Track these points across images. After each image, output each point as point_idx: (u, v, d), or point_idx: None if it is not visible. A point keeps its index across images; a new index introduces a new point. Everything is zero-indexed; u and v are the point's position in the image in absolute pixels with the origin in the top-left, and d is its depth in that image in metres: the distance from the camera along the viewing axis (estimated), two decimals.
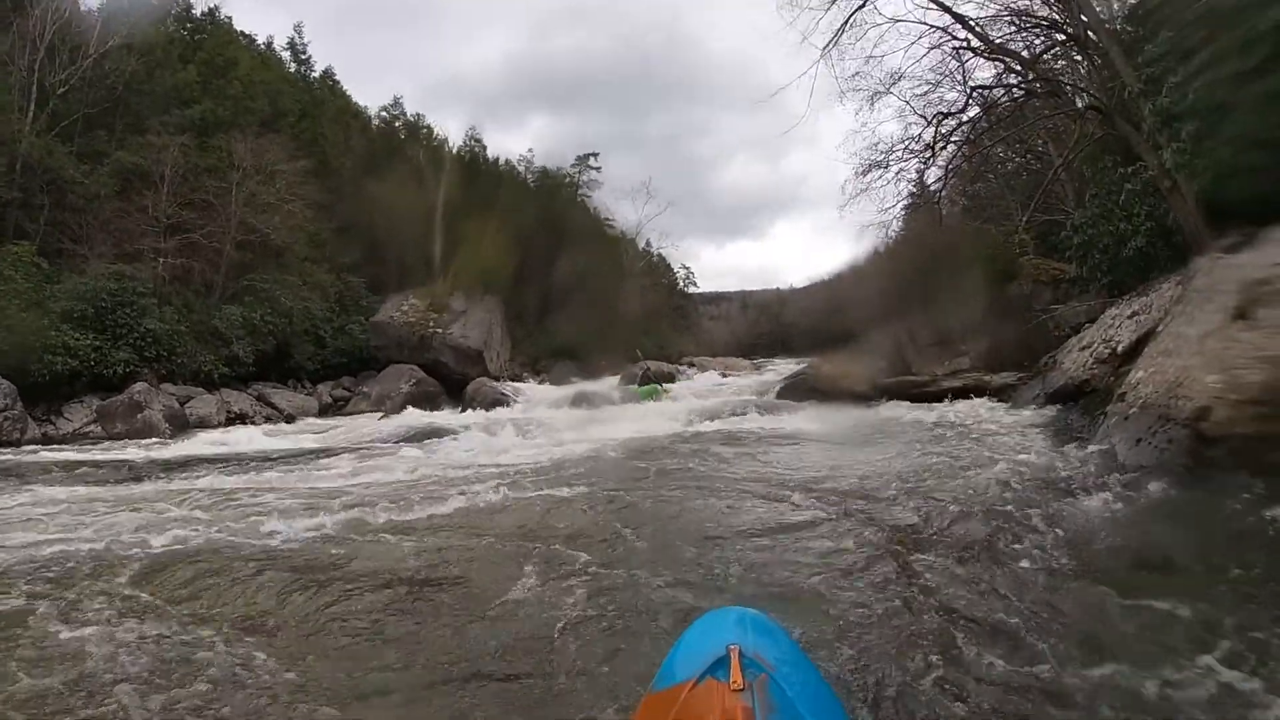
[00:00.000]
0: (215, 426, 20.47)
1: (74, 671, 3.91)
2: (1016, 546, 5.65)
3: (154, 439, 17.37)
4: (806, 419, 16.12)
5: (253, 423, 21.81)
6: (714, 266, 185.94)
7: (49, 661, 4.04)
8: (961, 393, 16.56)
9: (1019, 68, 16.72)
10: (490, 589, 5.23)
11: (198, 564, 5.72)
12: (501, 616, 4.74)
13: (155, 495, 9.20)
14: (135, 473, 11.47)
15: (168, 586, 5.25)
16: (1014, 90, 17.11)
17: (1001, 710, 3.39)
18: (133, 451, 14.48)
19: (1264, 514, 5.76)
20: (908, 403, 16.59)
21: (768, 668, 2.25)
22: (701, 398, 21.99)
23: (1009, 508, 6.77)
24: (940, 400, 16.38)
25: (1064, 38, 16.30)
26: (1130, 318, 12.06)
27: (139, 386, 19.43)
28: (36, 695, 3.70)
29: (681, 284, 63.76)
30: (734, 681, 2.13)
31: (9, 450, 14.81)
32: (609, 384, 28.08)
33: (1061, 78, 17.48)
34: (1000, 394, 15.74)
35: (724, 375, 33.22)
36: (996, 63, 16.97)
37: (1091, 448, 9.19)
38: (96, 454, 14.14)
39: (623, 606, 4.79)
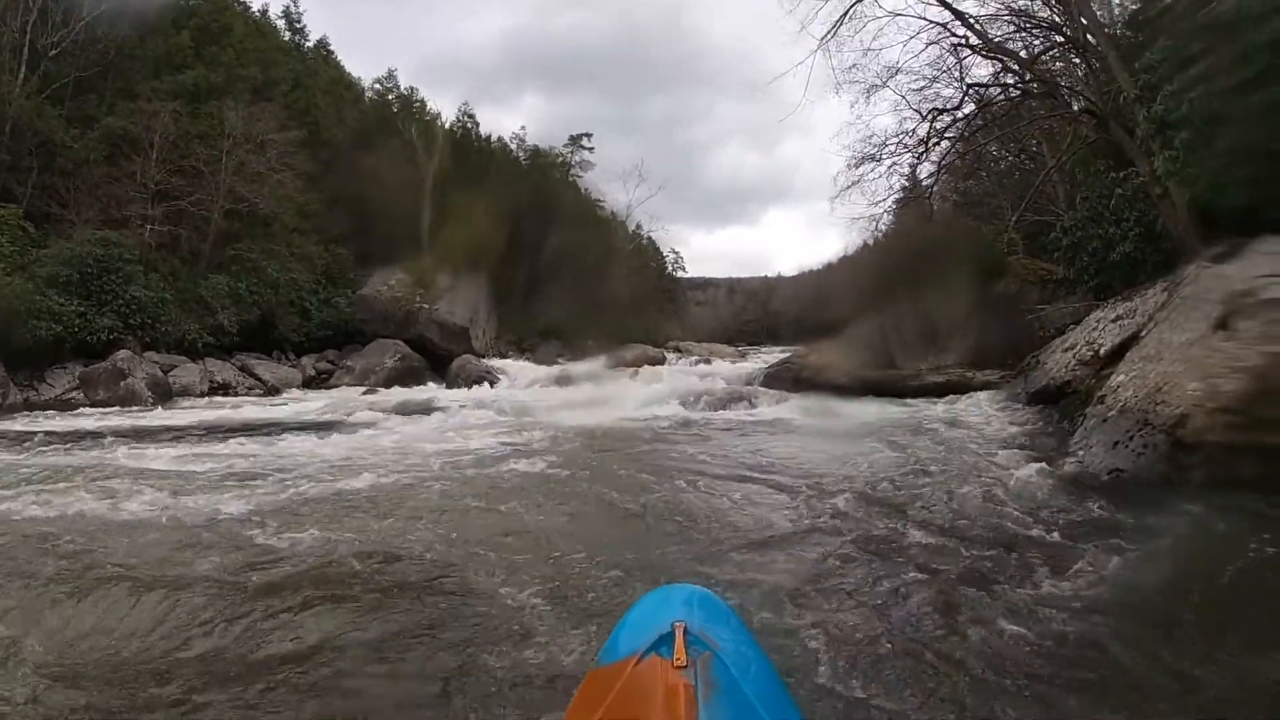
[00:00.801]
0: (198, 396, 20.47)
1: None
2: (979, 543, 5.76)
3: (136, 406, 17.40)
4: (786, 409, 16.18)
5: (235, 393, 21.80)
6: (703, 251, 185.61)
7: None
8: (944, 389, 16.63)
9: (1016, 67, 16.75)
10: (438, 569, 5.31)
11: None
12: (453, 592, 4.82)
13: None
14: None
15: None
16: (1010, 90, 17.15)
17: (940, 693, 3.48)
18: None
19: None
20: (890, 397, 16.66)
21: (712, 646, 2.25)
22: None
23: (975, 505, 6.91)
24: (923, 396, 16.47)
25: (1063, 40, 16.36)
26: (1114, 321, 12.13)
27: (122, 354, 19.35)
28: None
29: (670, 268, 63.69)
30: (677, 658, 2.13)
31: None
32: (594, 365, 28.05)
33: (1058, 79, 17.51)
34: (982, 392, 15.82)
35: (708, 363, 33.11)
36: (994, 61, 17.01)
37: (1070, 452, 9.30)
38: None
39: (572, 585, 4.86)
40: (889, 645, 4.00)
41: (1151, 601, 4.60)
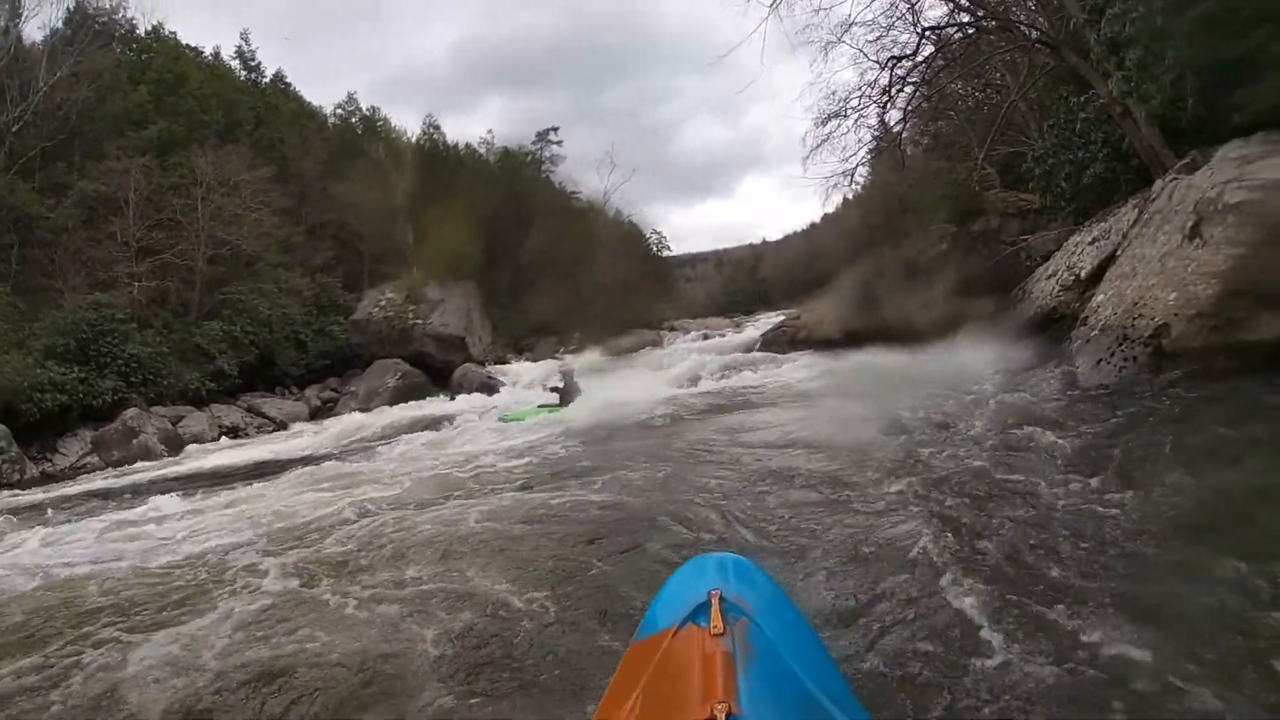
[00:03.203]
0: (209, 442, 20.59)
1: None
2: (1002, 482, 5.89)
3: (153, 461, 17.60)
4: (786, 371, 16.40)
5: (245, 434, 21.97)
6: (685, 228, 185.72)
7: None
8: (935, 330, 16.74)
9: (968, 4, 16.82)
10: (487, 558, 5.54)
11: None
12: (507, 577, 5.02)
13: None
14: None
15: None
16: (966, 28, 17.20)
17: (984, 646, 3.52)
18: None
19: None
20: (884, 344, 16.78)
21: (748, 611, 2.30)
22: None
23: (989, 444, 7.03)
24: (915, 339, 16.59)
25: None
26: (1091, 244, 12.31)
27: (130, 412, 19.49)
28: None
29: (655, 249, 63.56)
30: (714, 626, 2.17)
31: (13, 491, 14.97)
32: (593, 356, 28.18)
33: (1011, 12, 17.58)
34: (973, 329, 15.94)
35: (706, 337, 33.22)
36: (946, 1, 17.09)
37: (1057, 374, 9.56)
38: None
39: (614, 562, 5.04)
40: (931, 605, 4.03)
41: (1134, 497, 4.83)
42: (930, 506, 5.53)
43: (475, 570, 5.28)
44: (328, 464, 12.36)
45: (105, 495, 12.82)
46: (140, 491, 12.28)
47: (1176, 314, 7.86)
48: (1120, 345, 8.46)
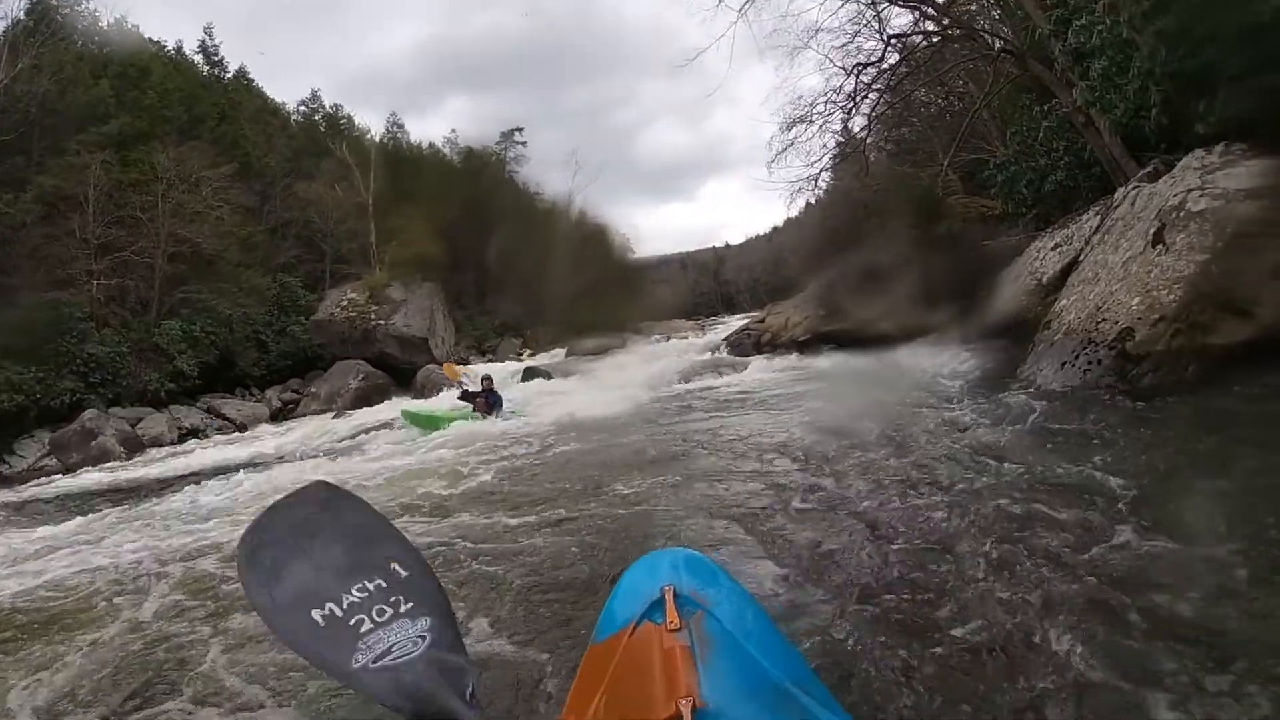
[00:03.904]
0: (169, 444, 20.38)
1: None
2: (953, 482, 5.88)
3: (111, 463, 17.39)
4: (751, 374, 16.47)
5: (205, 435, 21.75)
6: (649, 230, 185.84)
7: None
8: (899, 335, 16.91)
9: (934, 13, 17.02)
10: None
11: None
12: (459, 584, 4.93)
13: None
14: None
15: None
16: (931, 36, 17.41)
17: (943, 630, 3.54)
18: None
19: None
20: (848, 348, 16.92)
21: (703, 604, 2.29)
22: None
23: (947, 445, 7.09)
24: (879, 343, 16.73)
25: None
26: (1054, 249, 12.47)
27: (89, 413, 19.28)
28: None
29: (619, 251, 63.45)
30: (670, 622, 2.18)
31: None
32: (555, 356, 28.20)
33: (976, 21, 17.80)
34: (936, 333, 16.09)
35: (668, 339, 33.29)
36: (912, 10, 17.27)
37: (1021, 377, 9.71)
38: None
39: (567, 565, 4.99)
40: (881, 591, 4.06)
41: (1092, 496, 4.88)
42: (881, 501, 5.59)
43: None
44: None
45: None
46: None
47: (1140, 318, 8.01)
48: (1084, 349, 8.61)
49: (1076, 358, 8.70)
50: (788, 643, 2.47)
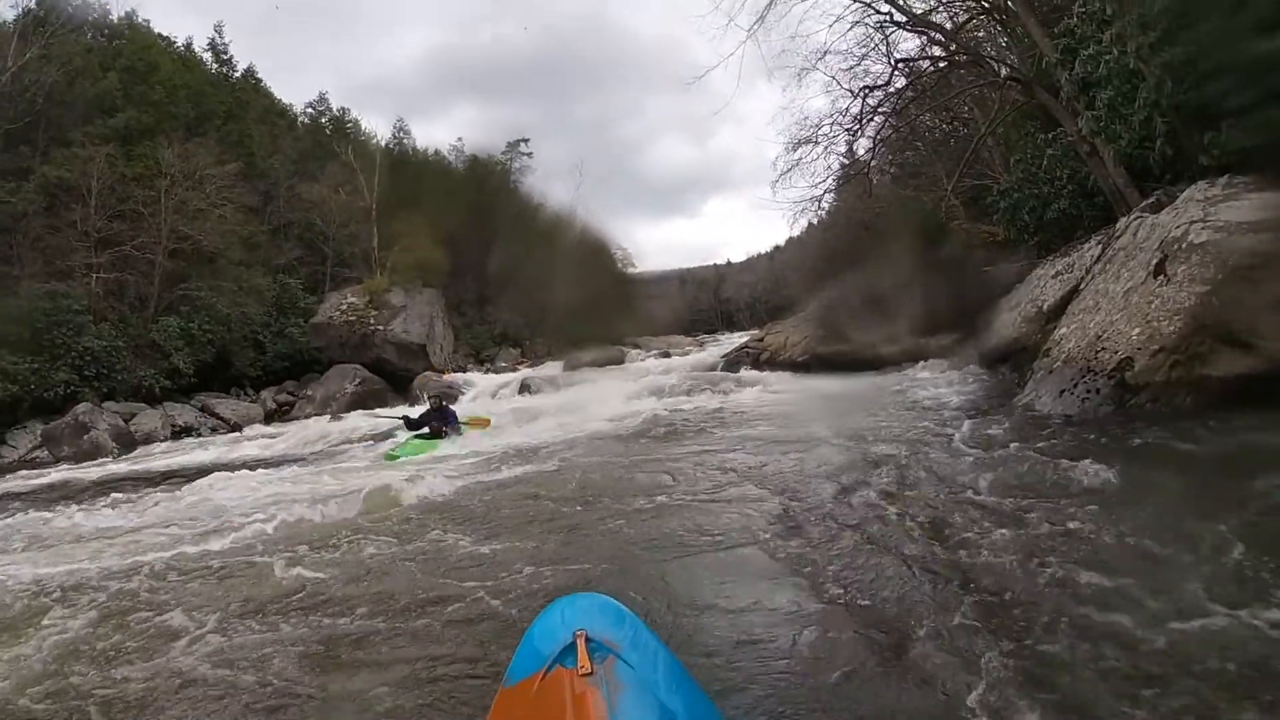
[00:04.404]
0: (161, 441, 20.29)
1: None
2: (935, 500, 5.96)
3: (102, 459, 17.29)
4: (748, 394, 16.39)
5: (199, 434, 21.67)
6: (650, 244, 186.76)
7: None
8: (899, 358, 16.93)
9: (941, 39, 17.06)
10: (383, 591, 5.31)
11: None
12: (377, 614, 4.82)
13: None
14: None
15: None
16: (938, 61, 17.44)
17: (863, 669, 3.51)
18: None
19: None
20: (847, 371, 16.93)
21: (615, 649, 2.35)
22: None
23: (928, 465, 7.09)
24: (878, 367, 16.75)
25: (984, 9, 16.67)
26: (1055, 277, 12.49)
27: (83, 407, 19.21)
28: None
29: (620, 265, 63.43)
30: (582, 666, 2.21)
31: None
32: (553, 369, 28.14)
33: (983, 48, 17.85)
34: (937, 357, 16.10)
35: (668, 355, 33.28)
36: (920, 35, 17.33)
37: (1019, 404, 9.69)
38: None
39: (479, 605, 4.84)
40: (794, 624, 4.06)
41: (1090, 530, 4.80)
42: (826, 534, 5.53)
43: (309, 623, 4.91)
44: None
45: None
46: None
47: (1140, 348, 8.02)
48: (1083, 377, 8.62)
49: (1075, 386, 8.72)
50: (698, 688, 2.55)
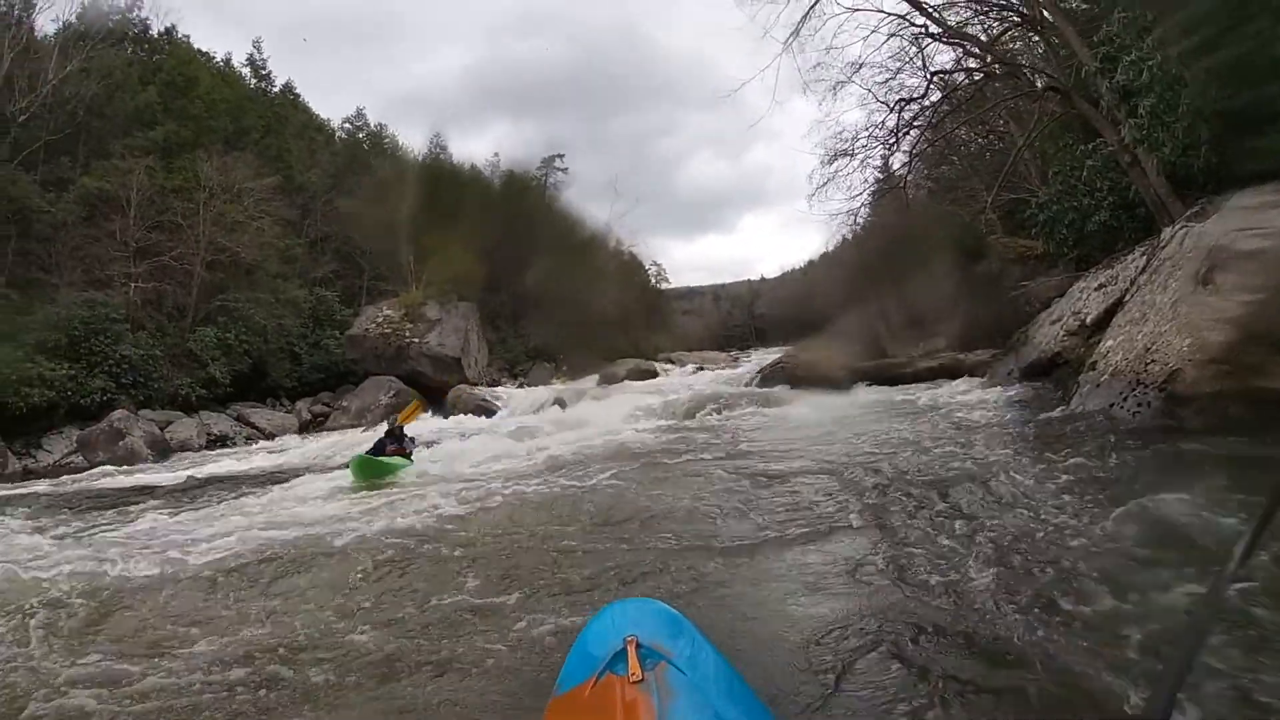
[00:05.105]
0: (197, 449, 20.42)
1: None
2: (992, 508, 5.84)
3: (138, 465, 17.36)
4: (787, 408, 16.23)
5: (234, 444, 21.78)
6: (684, 261, 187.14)
7: None
8: (938, 373, 16.77)
9: (977, 51, 16.91)
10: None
11: None
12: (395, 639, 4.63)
13: None
14: None
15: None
16: (974, 73, 17.30)
17: (917, 679, 3.44)
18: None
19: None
20: (885, 386, 16.78)
21: (666, 655, 2.29)
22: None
23: (975, 482, 6.88)
24: (917, 382, 16.58)
25: (1019, 20, 16.49)
26: (1098, 289, 12.27)
27: (118, 414, 19.35)
28: None
29: (653, 280, 63.50)
30: (632, 673, 2.17)
31: None
32: (588, 384, 28.09)
33: (1019, 59, 17.68)
34: (975, 372, 15.91)
35: (703, 370, 33.26)
36: (955, 47, 17.20)
37: (1061, 413, 9.50)
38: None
39: (526, 615, 4.74)
40: (846, 627, 4.02)
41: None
42: (876, 545, 5.42)
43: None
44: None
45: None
46: None
47: (1190, 360, 7.80)
48: (1133, 390, 8.41)
49: (1125, 399, 8.52)
50: (752, 694, 2.49)
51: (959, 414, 11.48)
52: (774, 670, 3.62)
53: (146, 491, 12.35)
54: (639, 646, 2.30)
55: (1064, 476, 6.55)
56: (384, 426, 13.89)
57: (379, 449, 12.60)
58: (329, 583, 5.77)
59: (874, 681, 3.42)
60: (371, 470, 11.33)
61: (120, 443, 18.54)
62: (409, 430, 13.68)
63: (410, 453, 12.84)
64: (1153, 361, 8.40)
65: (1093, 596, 3.98)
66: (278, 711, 3.72)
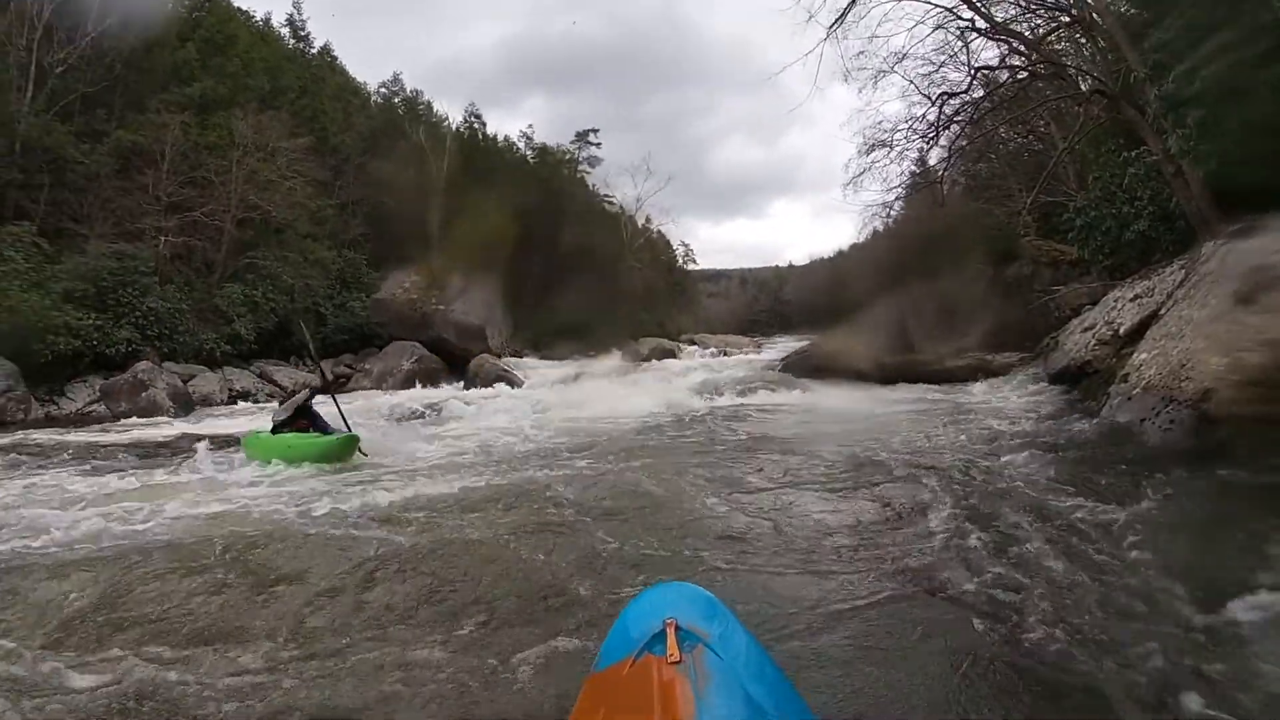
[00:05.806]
0: (219, 404, 20.61)
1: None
2: (1010, 523, 5.77)
3: (160, 417, 17.47)
4: (813, 396, 16.23)
5: (256, 400, 21.91)
6: (712, 243, 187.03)
7: None
8: (966, 373, 16.67)
9: (1023, 49, 16.66)
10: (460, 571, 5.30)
11: None
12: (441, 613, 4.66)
13: None
14: None
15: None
16: (1018, 72, 17.06)
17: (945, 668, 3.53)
18: None
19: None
20: (914, 383, 16.72)
21: (704, 638, 2.30)
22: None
23: (1003, 485, 6.92)
24: (945, 381, 16.49)
25: (1069, 20, 16.22)
26: (1133, 300, 12.15)
27: (142, 365, 19.43)
28: None
29: (681, 261, 63.41)
30: (670, 655, 2.17)
31: (12, 431, 14.85)
32: (610, 362, 28.13)
33: (1065, 60, 17.43)
34: (1002, 374, 15.82)
35: (726, 354, 33.19)
36: (1001, 44, 16.93)
37: (1092, 425, 9.39)
38: None
39: (569, 592, 4.82)
40: (879, 620, 4.11)
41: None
42: (908, 544, 5.45)
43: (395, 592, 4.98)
44: None
45: None
46: None
47: (1222, 378, 7.67)
48: (1165, 406, 8.27)
49: (1157, 414, 8.38)
50: (786, 680, 2.48)
51: (990, 420, 11.37)
52: (808, 658, 3.71)
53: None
54: (678, 629, 2.31)
55: (1109, 506, 6.35)
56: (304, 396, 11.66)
57: (291, 421, 10.95)
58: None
59: (907, 674, 3.52)
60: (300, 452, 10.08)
61: (143, 394, 18.60)
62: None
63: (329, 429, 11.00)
64: (1187, 379, 8.25)
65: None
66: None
